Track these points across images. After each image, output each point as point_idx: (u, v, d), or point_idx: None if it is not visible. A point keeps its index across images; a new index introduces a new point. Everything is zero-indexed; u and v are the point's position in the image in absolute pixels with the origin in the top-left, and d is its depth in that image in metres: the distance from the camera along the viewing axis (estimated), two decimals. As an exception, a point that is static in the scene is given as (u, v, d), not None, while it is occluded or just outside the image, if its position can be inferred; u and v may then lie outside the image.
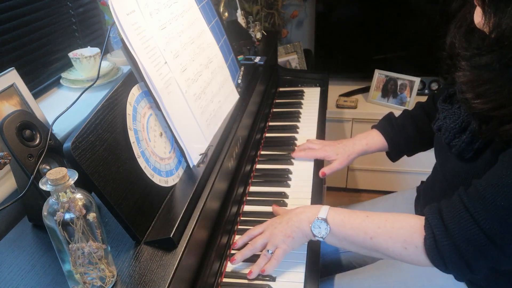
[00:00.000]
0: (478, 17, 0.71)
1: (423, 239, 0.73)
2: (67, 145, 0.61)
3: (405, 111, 1.17)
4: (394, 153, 1.15)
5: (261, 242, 0.85)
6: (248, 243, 0.87)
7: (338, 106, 2.08)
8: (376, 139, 1.14)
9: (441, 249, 0.71)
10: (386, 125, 1.15)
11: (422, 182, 1.13)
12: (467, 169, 0.79)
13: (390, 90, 2.08)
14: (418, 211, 1.06)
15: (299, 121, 1.38)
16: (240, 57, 1.35)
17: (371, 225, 0.78)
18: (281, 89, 1.61)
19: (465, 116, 0.78)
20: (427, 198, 1.00)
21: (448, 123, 0.82)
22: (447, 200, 0.75)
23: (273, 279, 0.83)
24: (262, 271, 0.82)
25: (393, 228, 0.76)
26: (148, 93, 0.78)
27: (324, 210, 0.83)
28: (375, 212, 0.81)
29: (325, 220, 0.81)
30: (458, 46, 0.79)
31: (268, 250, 0.83)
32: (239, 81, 1.17)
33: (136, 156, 0.72)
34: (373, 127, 1.18)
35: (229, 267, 0.87)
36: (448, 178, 0.87)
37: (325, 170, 1.12)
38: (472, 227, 0.68)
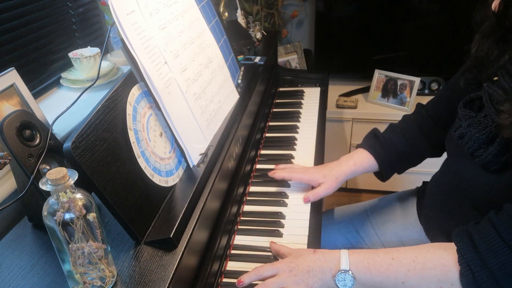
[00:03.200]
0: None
1: (458, 275, 0.70)
2: (67, 145, 0.61)
3: (391, 125, 1.11)
4: (384, 172, 1.07)
5: (269, 275, 0.79)
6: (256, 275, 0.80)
7: (338, 106, 2.08)
8: (364, 159, 1.06)
9: (479, 284, 0.68)
10: (373, 142, 1.07)
11: (423, 182, 1.12)
12: (491, 181, 0.76)
13: (390, 90, 2.08)
14: (422, 211, 1.06)
15: (299, 121, 1.38)
16: (240, 57, 1.35)
17: (400, 269, 0.74)
18: (281, 89, 1.61)
19: (493, 126, 0.74)
20: (433, 199, 0.98)
21: (472, 132, 0.78)
22: (477, 226, 0.71)
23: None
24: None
25: (425, 270, 0.72)
26: (148, 93, 0.78)
27: (345, 260, 0.77)
28: (399, 251, 0.77)
29: (349, 272, 0.76)
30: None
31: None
32: (239, 81, 1.17)
33: (136, 156, 0.72)
34: (358, 146, 1.10)
35: (229, 267, 0.87)
36: (464, 185, 0.84)
37: (309, 195, 1.01)
38: (510, 259, 0.66)
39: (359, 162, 1.06)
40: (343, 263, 0.77)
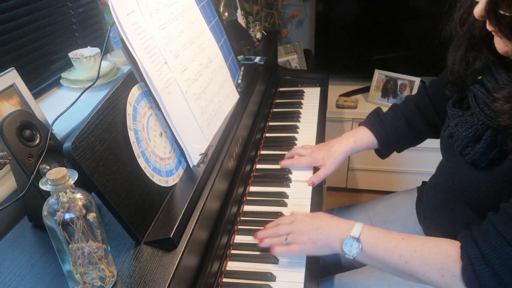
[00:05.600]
0: (502, 47, 0.68)
1: (460, 269, 0.71)
2: (67, 145, 0.61)
3: (394, 105, 1.14)
4: (383, 150, 1.11)
5: (285, 230, 0.87)
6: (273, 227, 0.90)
7: (338, 106, 2.08)
8: (364, 136, 1.11)
9: (481, 279, 0.68)
10: (375, 120, 1.12)
11: (423, 182, 1.12)
12: (480, 177, 0.77)
13: (390, 90, 2.08)
14: (421, 212, 1.06)
15: (299, 121, 1.38)
16: (240, 57, 1.35)
17: (407, 248, 0.76)
18: (281, 89, 1.61)
19: (479, 125, 0.76)
20: (431, 198, 0.99)
21: (460, 131, 0.80)
22: (479, 228, 0.73)
23: (273, 279, 0.83)
24: (272, 248, 0.86)
25: (430, 254, 0.74)
26: (148, 93, 0.78)
27: (357, 228, 0.80)
28: (411, 235, 0.79)
29: (358, 239, 0.79)
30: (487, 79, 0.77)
31: (286, 239, 0.85)
32: (239, 81, 1.17)
33: (136, 156, 0.72)
34: (360, 123, 1.14)
35: (229, 267, 0.87)
36: (457, 181, 0.85)
37: (313, 179, 1.08)
38: (510, 254, 0.66)
39: (359, 140, 1.11)
40: (354, 230, 0.80)
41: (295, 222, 0.87)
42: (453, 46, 0.85)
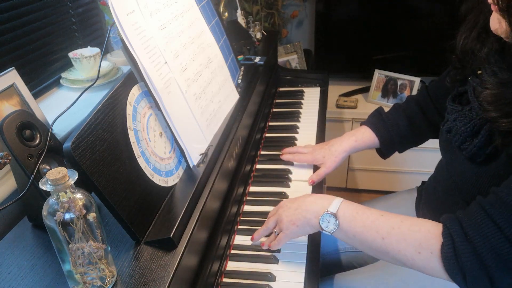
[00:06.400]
0: (495, 23, 0.68)
1: (440, 245, 0.68)
2: (67, 145, 0.61)
3: (395, 105, 1.14)
4: (385, 150, 1.11)
5: (272, 223, 0.88)
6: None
7: (338, 106, 2.08)
8: (365, 135, 1.10)
9: (461, 258, 0.65)
10: (376, 120, 1.11)
11: (422, 182, 1.12)
12: (478, 172, 0.77)
13: (390, 90, 2.08)
14: (420, 211, 1.06)
15: (299, 121, 1.38)
16: (240, 57, 1.35)
17: (385, 224, 0.74)
18: (281, 89, 1.61)
19: (477, 119, 0.76)
20: (430, 197, 0.99)
21: (458, 125, 0.80)
22: (465, 209, 0.71)
23: (273, 279, 0.83)
24: (269, 245, 0.87)
25: (409, 231, 0.72)
26: (148, 93, 0.78)
27: (335, 204, 0.79)
28: (391, 213, 0.77)
29: (335, 215, 0.77)
30: (479, 54, 0.77)
31: (275, 231, 0.86)
32: (239, 81, 1.17)
33: (136, 156, 0.72)
34: (362, 123, 1.14)
35: (229, 267, 0.87)
36: (455, 178, 0.85)
37: (314, 177, 1.09)
38: (496, 234, 0.63)
39: (360, 139, 1.10)
40: (332, 206, 0.79)
41: (278, 210, 0.88)
42: (464, 26, 0.83)
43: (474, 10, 0.81)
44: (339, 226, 0.77)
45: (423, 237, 0.71)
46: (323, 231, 0.79)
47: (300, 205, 0.83)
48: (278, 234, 0.86)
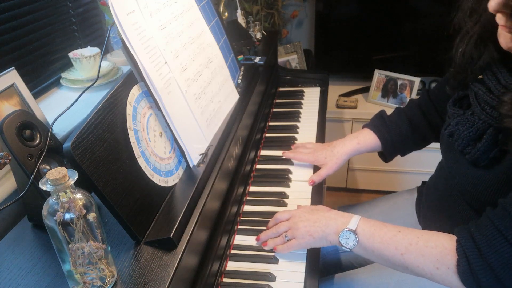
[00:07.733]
0: (508, 42, 0.68)
1: (455, 262, 0.71)
2: (67, 145, 0.61)
3: (398, 108, 1.14)
4: (387, 153, 1.11)
5: (284, 228, 0.88)
6: (273, 226, 0.91)
7: (338, 106, 2.08)
8: (368, 138, 1.11)
9: (475, 273, 0.68)
10: (379, 123, 1.12)
11: (423, 182, 1.12)
12: (481, 176, 0.78)
13: (390, 90, 2.08)
14: (420, 212, 1.06)
15: (299, 121, 1.38)
16: (240, 57, 1.35)
17: (403, 241, 0.77)
18: (281, 89, 1.61)
19: (480, 123, 0.76)
20: (430, 198, 0.99)
21: (461, 130, 0.80)
22: (476, 222, 0.73)
23: (273, 279, 0.83)
24: (274, 248, 0.87)
25: (426, 247, 0.75)
26: (148, 93, 0.78)
27: (354, 221, 0.81)
28: (408, 228, 0.79)
29: (354, 232, 0.80)
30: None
31: (286, 236, 0.86)
32: (239, 81, 1.17)
33: (136, 156, 0.72)
34: (364, 126, 1.14)
35: (229, 267, 0.87)
36: (457, 180, 0.85)
37: (314, 178, 1.09)
38: (506, 249, 0.66)
39: (363, 141, 1.11)
40: (352, 223, 0.81)
41: (293, 217, 0.88)
42: (460, 38, 0.84)
43: (467, 21, 0.81)
44: (358, 243, 0.80)
45: (439, 253, 0.73)
46: (342, 247, 0.81)
47: (320, 218, 0.85)
48: (289, 240, 0.86)
